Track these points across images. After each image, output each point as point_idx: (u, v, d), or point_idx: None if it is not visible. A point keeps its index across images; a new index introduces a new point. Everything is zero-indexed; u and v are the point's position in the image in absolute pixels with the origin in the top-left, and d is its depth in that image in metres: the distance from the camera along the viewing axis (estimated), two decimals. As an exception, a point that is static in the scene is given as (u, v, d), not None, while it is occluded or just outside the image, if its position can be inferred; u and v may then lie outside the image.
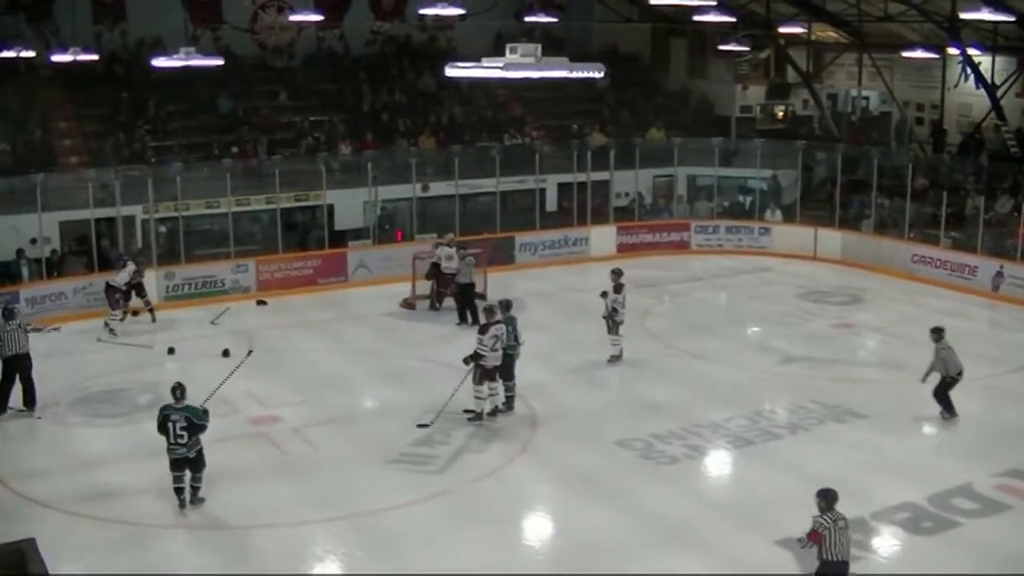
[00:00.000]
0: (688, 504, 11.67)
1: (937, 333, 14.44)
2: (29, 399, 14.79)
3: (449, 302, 20.14)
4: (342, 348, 18.06)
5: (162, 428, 11.41)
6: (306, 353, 17.70)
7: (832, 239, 24.36)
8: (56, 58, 21.87)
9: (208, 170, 22.69)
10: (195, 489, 11.68)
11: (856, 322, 19.46)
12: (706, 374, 16.32)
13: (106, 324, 18.64)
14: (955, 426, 14.23)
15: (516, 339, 14.64)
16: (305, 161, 23.91)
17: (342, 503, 11.79)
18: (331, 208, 23.26)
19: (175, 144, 24.45)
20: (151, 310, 19.75)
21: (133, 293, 19.50)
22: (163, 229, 21.82)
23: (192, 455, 11.49)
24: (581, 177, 25.04)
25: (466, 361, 14.07)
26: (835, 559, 8.97)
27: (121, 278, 19.11)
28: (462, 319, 19.31)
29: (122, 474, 12.52)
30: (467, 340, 14.77)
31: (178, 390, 11.47)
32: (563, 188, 25.82)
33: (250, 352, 13.58)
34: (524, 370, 15.01)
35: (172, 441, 11.37)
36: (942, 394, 14.39)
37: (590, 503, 11.83)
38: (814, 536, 9.02)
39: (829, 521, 9.00)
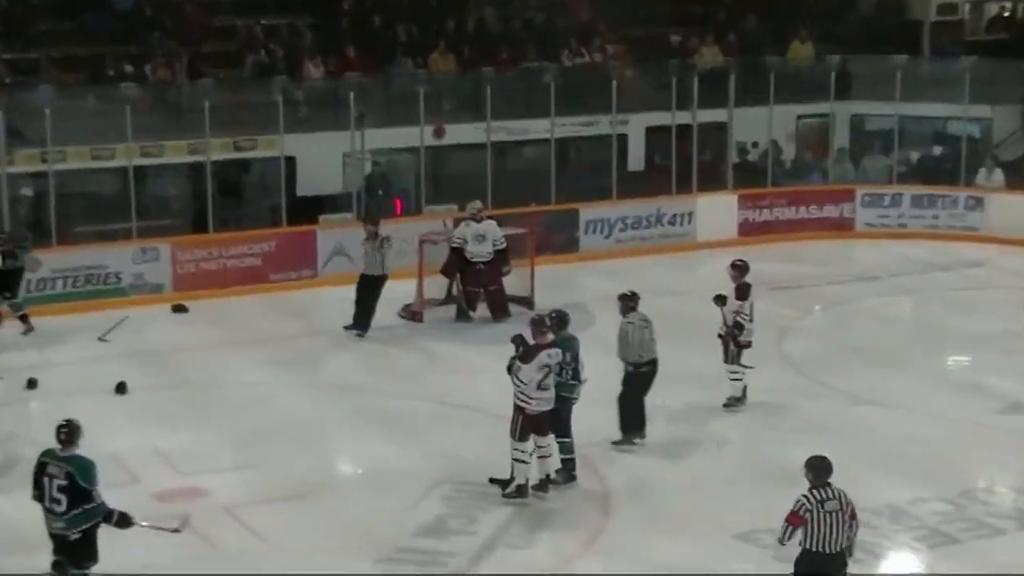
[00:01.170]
0: (852, 638, 11.82)
1: (626, 301, 15.46)
2: None
3: (483, 310, 20.45)
4: (306, 380, 17.99)
5: (36, 484, 11.24)
6: (249, 388, 17.61)
7: (1085, 217, 24.90)
8: None
9: (96, 100, 22.80)
10: (76, 597, 11.58)
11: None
12: (879, 428, 16.02)
13: None
14: None
15: (576, 372, 14.40)
16: (252, 89, 24.24)
17: (303, 630, 11.85)
18: (292, 162, 23.08)
19: (42, 57, 24.25)
20: (23, 316, 19.63)
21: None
22: (27, 192, 21.94)
23: (73, 536, 11.09)
24: (683, 118, 24.86)
25: (511, 368, 13.98)
26: (819, 549, 10.15)
27: None
28: (358, 325, 19.80)
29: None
30: (492, 364, 14.66)
31: (64, 431, 11.24)
32: (654, 135, 25.82)
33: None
34: (588, 418, 14.72)
35: (46, 505, 11.16)
36: (628, 400, 15.24)
37: (694, 631, 11.82)
38: (794, 519, 10.21)
39: (814, 500, 10.17)
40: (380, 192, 23.83)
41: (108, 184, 22.18)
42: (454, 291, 20.83)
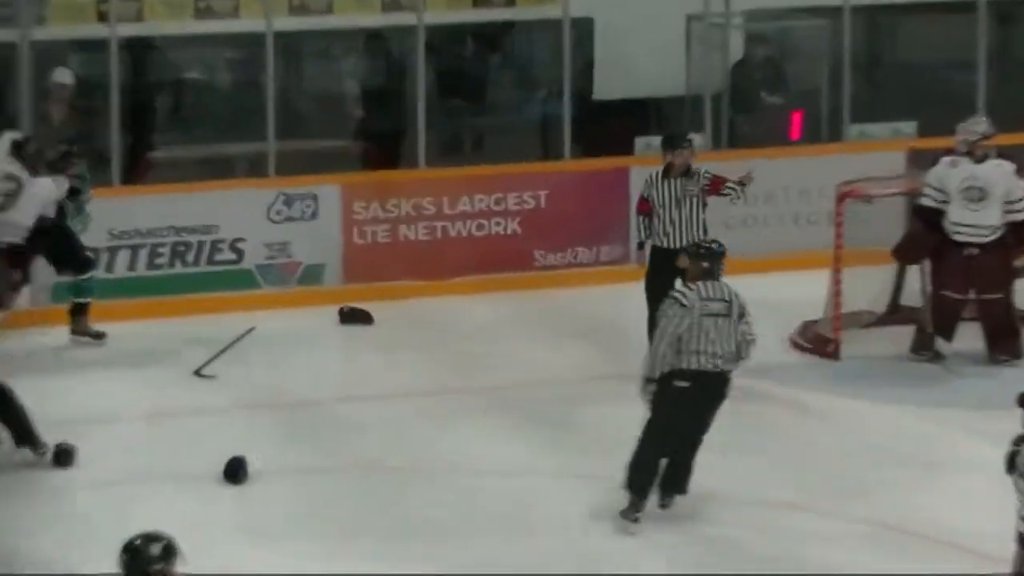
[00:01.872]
0: None
1: (698, 260, 14.96)
2: None
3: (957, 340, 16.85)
4: (587, 469, 15.70)
5: None
6: (494, 481, 15.21)
7: None
8: None
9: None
10: None
11: None
12: None
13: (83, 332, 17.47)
14: None
15: None
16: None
17: None
18: (585, 31, 20.13)
19: None
20: (84, 308, 17.70)
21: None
22: (63, 79, 19.14)
23: None
24: None
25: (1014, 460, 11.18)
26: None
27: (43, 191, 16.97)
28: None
29: None
30: (978, 451, 13.74)
31: (134, 555, 9.94)
32: None
33: None
34: None
35: None
36: (644, 436, 14.37)
37: None
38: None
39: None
40: (758, 100, 20.13)
41: (223, 68, 19.82)
42: (911, 296, 17.13)
